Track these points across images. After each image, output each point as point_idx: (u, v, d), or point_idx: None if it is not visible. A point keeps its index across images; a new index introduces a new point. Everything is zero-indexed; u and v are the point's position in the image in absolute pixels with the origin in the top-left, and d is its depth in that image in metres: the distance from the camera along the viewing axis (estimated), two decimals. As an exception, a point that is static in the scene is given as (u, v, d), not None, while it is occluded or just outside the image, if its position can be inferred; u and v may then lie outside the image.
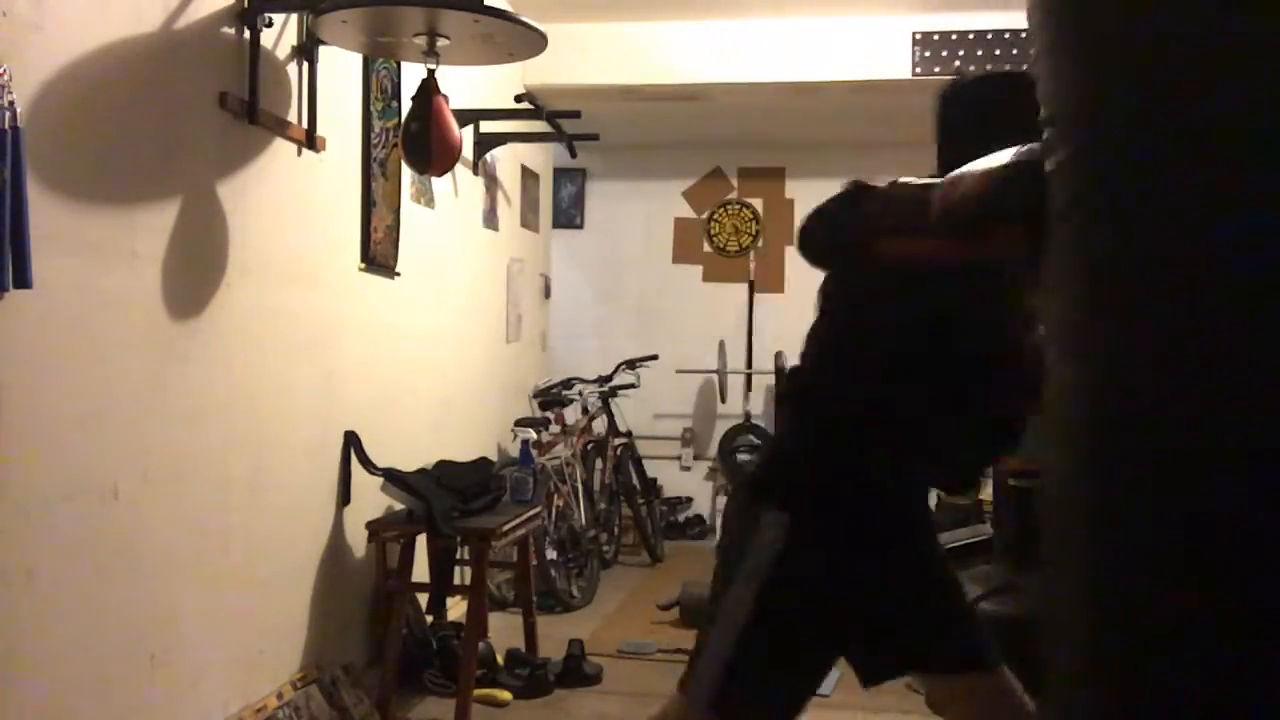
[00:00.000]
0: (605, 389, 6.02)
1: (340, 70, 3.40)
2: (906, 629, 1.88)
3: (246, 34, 2.81)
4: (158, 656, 2.49)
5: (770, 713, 1.87)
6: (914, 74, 5.09)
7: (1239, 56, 0.88)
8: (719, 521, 2.64)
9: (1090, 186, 1.00)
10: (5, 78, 1.93)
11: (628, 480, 6.09)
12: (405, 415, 4.00)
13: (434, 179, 4.16)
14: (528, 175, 5.76)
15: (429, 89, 3.20)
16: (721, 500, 6.83)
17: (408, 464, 3.66)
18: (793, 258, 6.80)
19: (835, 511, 1.80)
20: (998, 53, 5.00)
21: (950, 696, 1.91)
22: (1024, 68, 1.48)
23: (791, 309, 6.14)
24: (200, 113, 2.65)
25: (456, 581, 3.80)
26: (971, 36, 5.03)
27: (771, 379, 6.66)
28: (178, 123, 2.55)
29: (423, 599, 3.77)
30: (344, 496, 3.48)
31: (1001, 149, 1.37)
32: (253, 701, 2.89)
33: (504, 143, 4.93)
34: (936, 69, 5.05)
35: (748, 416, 7.00)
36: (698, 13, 5.14)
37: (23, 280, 1.94)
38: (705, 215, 7.37)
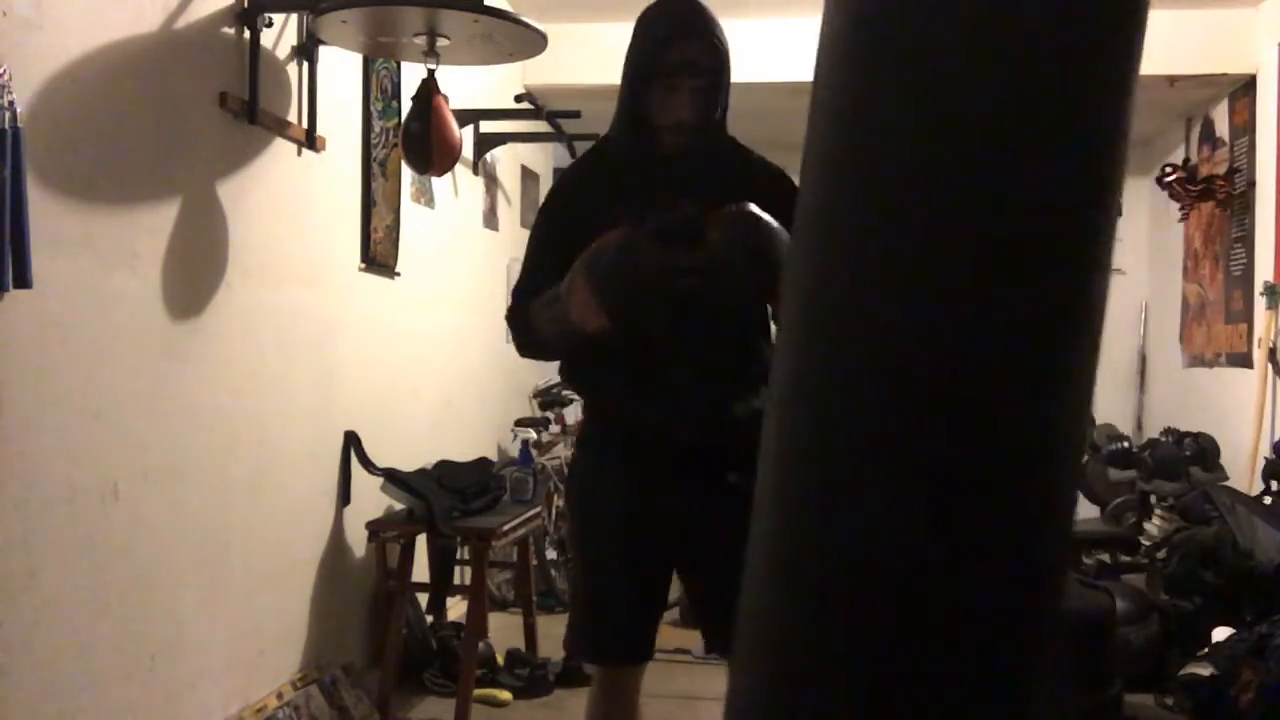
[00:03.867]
0: (605, 389, 6.01)
1: (340, 70, 3.40)
2: (691, 587, 2.05)
3: (246, 34, 2.81)
4: (157, 657, 2.49)
5: (609, 648, 2.00)
6: (914, 74, 5.07)
7: None
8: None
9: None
10: (5, 78, 1.93)
11: (628, 480, 6.07)
12: (405, 415, 4.00)
13: (434, 179, 4.16)
14: (528, 175, 5.76)
15: (429, 89, 3.20)
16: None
17: (408, 464, 3.66)
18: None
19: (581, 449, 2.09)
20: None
21: None
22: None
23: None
24: (200, 113, 2.65)
25: (456, 581, 3.80)
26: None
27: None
28: (178, 123, 2.55)
29: (423, 599, 3.77)
30: (344, 496, 3.48)
31: None
32: (253, 701, 2.89)
33: (504, 143, 4.93)
34: (936, 69, 5.03)
35: (748, 416, 6.98)
36: (698, 13, 5.14)
37: (23, 280, 1.94)
38: (705, 215, 7.35)
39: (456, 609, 4.02)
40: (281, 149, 3.04)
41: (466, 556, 3.79)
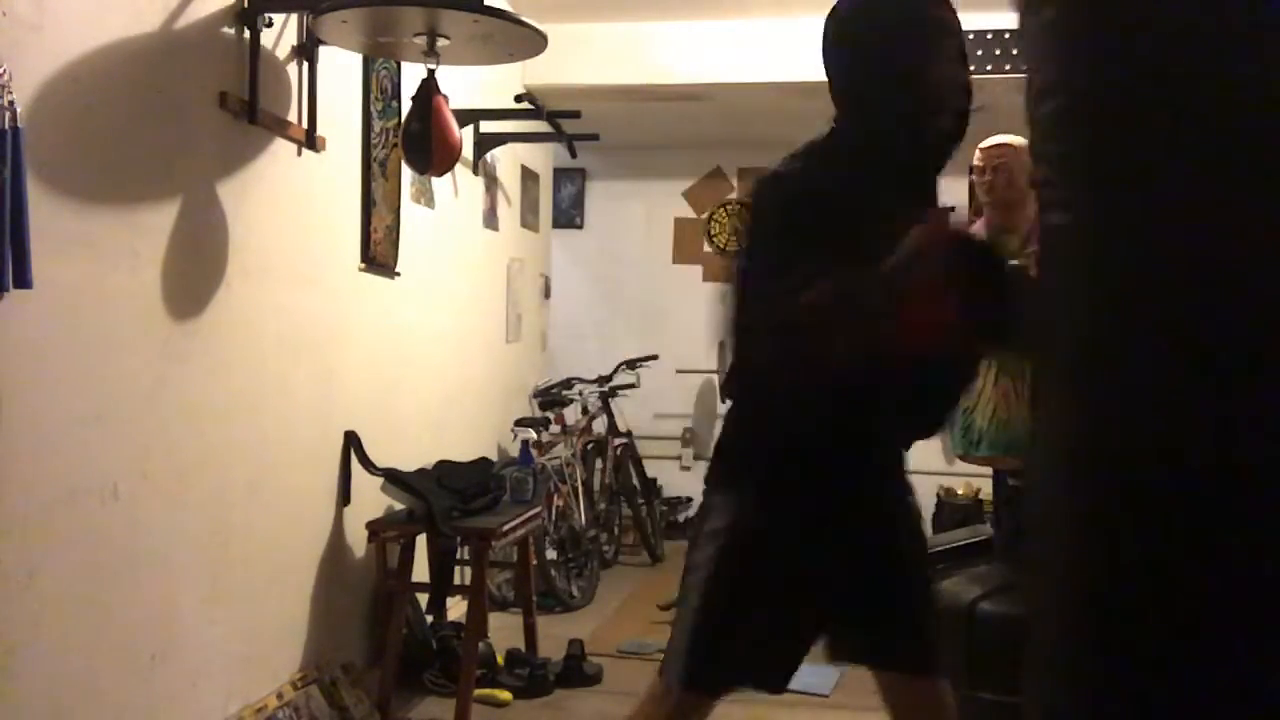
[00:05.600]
0: (605, 389, 6.02)
1: (340, 70, 3.40)
2: (865, 614, 1.92)
3: (246, 34, 2.81)
4: (158, 656, 2.49)
5: (743, 681, 1.91)
6: (914, 74, 5.07)
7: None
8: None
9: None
10: (5, 78, 1.93)
11: (628, 480, 6.09)
12: (405, 415, 4.00)
13: (434, 179, 4.16)
14: (528, 175, 5.76)
15: (429, 89, 3.20)
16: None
17: (408, 464, 3.66)
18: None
19: (768, 479, 1.87)
20: (998, 53, 5.00)
21: (893, 694, 1.93)
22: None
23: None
24: (200, 113, 2.65)
25: (456, 581, 3.80)
26: (972, 36, 5.03)
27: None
28: (178, 123, 2.55)
29: (423, 599, 3.77)
30: (344, 496, 3.48)
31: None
32: (253, 701, 2.89)
33: (504, 143, 4.93)
34: (936, 69, 5.03)
35: (748, 416, 6.98)
36: (698, 13, 5.14)
37: (23, 280, 1.94)
38: (705, 215, 7.37)
39: (456, 609, 4.02)
40: (281, 149, 3.04)
41: (466, 556, 3.79)
